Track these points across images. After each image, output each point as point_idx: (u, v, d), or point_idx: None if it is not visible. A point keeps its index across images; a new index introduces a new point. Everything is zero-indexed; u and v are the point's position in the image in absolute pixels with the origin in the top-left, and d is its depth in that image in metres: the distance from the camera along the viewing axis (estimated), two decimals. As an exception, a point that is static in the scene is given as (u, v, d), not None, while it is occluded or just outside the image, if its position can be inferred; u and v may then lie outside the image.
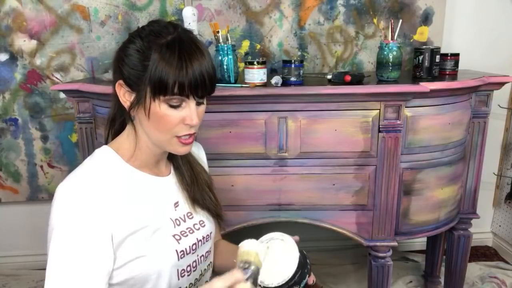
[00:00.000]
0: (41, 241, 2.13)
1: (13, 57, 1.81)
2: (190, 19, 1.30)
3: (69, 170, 1.96)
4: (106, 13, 1.77)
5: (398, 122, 1.29)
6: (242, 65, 1.52)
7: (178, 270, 0.83)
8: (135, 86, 0.77)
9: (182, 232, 0.85)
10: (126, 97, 0.80)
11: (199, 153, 1.02)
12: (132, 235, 0.77)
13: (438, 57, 1.45)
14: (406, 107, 1.30)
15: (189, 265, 0.86)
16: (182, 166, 0.92)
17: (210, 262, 0.96)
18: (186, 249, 0.84)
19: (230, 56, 1.36)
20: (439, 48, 1.46)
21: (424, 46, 1.48)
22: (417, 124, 1.32)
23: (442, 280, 1.82)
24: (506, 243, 2.11)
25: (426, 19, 1.83)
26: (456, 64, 1.54)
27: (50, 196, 1.95)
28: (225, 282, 0.67)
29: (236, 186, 1.35)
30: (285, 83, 1.33)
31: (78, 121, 1.45)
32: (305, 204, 1.37)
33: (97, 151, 0.83)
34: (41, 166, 1.94)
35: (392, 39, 1.35)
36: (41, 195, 1.96)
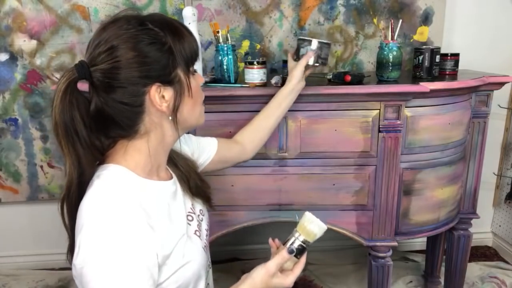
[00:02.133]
0: (41, 241, 2.14)
1: (13, 57, 1.81)
2: (190, 19, 1.30)
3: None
4: (106, 13, 1.77)
5: (398, 122, 1.29)
6: (242, 65, 1.52)
7: (207, 265, 0.87)
8: (169, 77, 0.74)
9: (198, 226, 0.87)
10: (162, 99, 0.74)
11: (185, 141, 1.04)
12: (176, 246, 0.75)
13: (438, 57, 1.45)
14: (406, 107, 1.30)
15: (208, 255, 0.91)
16: (176, 162, 0.91)
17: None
18: (205, 242, 0.88)
19: (230, 56, 1.36)
20: (439, 48, 1.46)
21: (424, 46, 1.48)
22: (417, 124, 1.32)
23: (442, 280, 1.82)
24: (506, 243, 2.11)
25: (426, 19, 1.83)
26: (456, 64, 1.54)
27: (50, 196, 1.95)
28: (277, 265, 0.78)
29: (236, 186, 1.35)
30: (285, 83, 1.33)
31: (78, 121, 1.45)
32: (305, 204, 1.37)
33: (105, 172, 0.74)
34: (41, 166, 1.94)
35: (392, 39, 1.35)
36: (41, 195, 1.96)
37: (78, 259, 0.65)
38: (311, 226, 0.82)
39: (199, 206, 0.93)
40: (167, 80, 0.74)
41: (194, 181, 0.91)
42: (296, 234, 0.83)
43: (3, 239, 2.05)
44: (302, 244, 0.82)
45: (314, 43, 1.17)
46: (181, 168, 0.90)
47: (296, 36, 1.82)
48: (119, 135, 0.77)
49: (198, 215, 0.91)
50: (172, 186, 0.84)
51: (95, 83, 0.73)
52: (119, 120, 0.74)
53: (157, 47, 0.72)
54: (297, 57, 1.21)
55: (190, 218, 0.86)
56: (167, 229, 0.75)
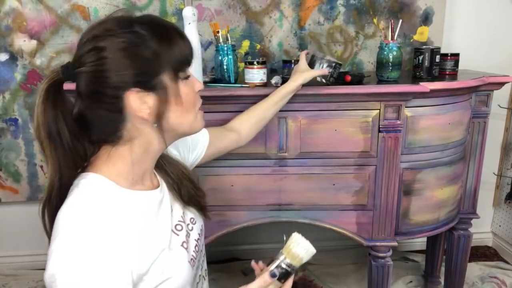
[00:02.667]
0: (41, 241, 2.13)
1: (13, 57, 1.81)
2: (190, 19, 1.30)
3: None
4: (106, 13, 1.77)
5: (398, 122, 1.29)
6: (242, 65, 1.52)
7: (194, 279, 0.82)
8: (151, 83, 0.69)
9: (186, 238, 0.81)
10: (144, 105, 0.70)
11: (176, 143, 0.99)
12: (155, 262, 0.71)
13: (438, 57, 1.45)
14: (406, 107, 1.30)
15: (197, 267, 0.85)
16: (167, 168, 0.86)
17: (203, 253, 0.94)
18: (193, 255, 0.82)
19: (230, 56, 1.36)
20: (439, 48, 1.46)
21: (424, 46, 1.48)
22: (417, 124, 1.32)
23: (442, 280, 1.82)
24: (506, 243, 2.11)
25: (426, 19, 1.83)
26: (456, 64, 1.54)
27: (50, 196, 1.95)
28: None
29: (236, 186, 1.35)
30: (285, 83, 1.33)
31: (78, 121, 1.45)
32: (305, 204, 1.37)
33: (83, 182, 0.70)
34: (41, 166, 1.94)
35: (392, 39, 1.35)
36: (41, 195, 1.96)
37: (48, 272, 0.61)
38: (297, 249, 0.76)
39: (190, 214, 0.87)
40: (148, 85, 0.69)
41: (186, 189, 0.86)
42: (281, 257, 0.77)
43: (3, 239, 2.05)
44: (287, 268, 0.76)
45: (331, 63, 1.25)
46: (172, 174, 0.85)
47: (296, 36, 1.82)
48: (102, 140, 0.73)
49: (188, 224, 0.84)
50: (158, 195, 0.79)
51: (79, 86, 0.70)
52: (101, 125, 0.71)
53: (138, 51, 0.68)
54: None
55: (179, 227, 0.81)
56: (146, 243, 0.70)
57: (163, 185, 0.83)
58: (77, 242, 0.62)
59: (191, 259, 0.80)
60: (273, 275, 0.75)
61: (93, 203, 0.67)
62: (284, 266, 0.76)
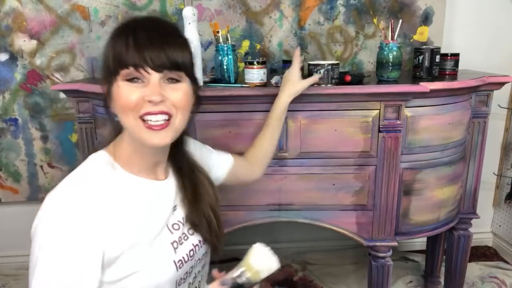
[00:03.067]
0: (41, 241, 2.12)
1: (13, 57, 1.81)
2: (190, 19, 1.30)
3: (69, 170, 1.94)
4: (106, 13, 1.77)
5: (398, 122, 1.29)
6: (242, 65, 1.52)
7: (177, 280, 0.79)
8: (104, 76, 0.76)
9: (179, 238, 0.82)
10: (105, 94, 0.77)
11: (201, 155, 0.98)
12: (130, 250, 0.72)
13: (438, 57, 1.45)
14: (406, 107, 1.30)
15: (186, 272, 0.83)
16: (185, 173, 0.88)
17: (205, 264, 0.92)
18: (183, 257, 0.81)
19: (230, 56, 1.36)
20: (439, 48, 1.46)
21: (424, 46, 1.48)
22: (417, 124, 1.32)
23: (442, 280, 1.82)
24: (506, 243, 2.11)
25: (426, 19, 1.83)
26: (456, 64, 1.54)
27: (50, 196, 1.95)
28: None
29: (236, 186, 1.35)
30: (285, 83, 1.33)
31: (78, 121, 1.45)
32: (305, 204, 1.37)
33: (92, 156, 0.78)
34: (41, 166, 1.94)
35: (392, 39, 1.35)
36: (41, 195, 1.96)
37: (33, 223, 0.69)
38: (257, 262, 0.72)
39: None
40: (104, 77, 0.76)
41: (198, 217, 0.86)
42: (241, 268, 0.73)
43: (3, 239, 2.05)
44: (243, 280, 0.72)
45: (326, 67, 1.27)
46: (187, 187, 0.87)
47: (296, 36, 1.82)
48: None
49: (189, 229, 0.86)
50: (160, 187, 0.82)
51: None
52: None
53: (106, 45, 0.75)
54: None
55: (175, 226, 0.82)
56: (126, 228, 0.72)
57: (172, 183, 0.85)
58: (59, 208, 0.68)
59: (179, 260, 0.80)
60: (223, 283, 0.74)
61: (85, 176, 0.74)
62: (240, 277, 0.72)
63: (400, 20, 1.40)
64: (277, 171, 1.35)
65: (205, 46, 1.79)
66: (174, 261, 0.79)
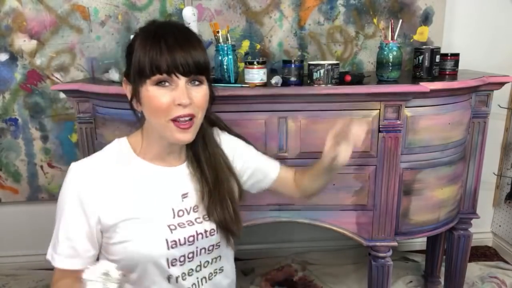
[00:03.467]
0: (41, 241, 2.13)
1: (13, 57, 1.81)
2: (190, 19, 1.30)
3: (69, 170, 1.96)
4: (106, 13, 1.77)
5: (398, 122, 1.29)
6: (242, 65, 1.52)
7: (168, 259, 0.84)
8: (131, 78, 0.82)
9: (180, 224, 0.86)
10: (127, 91, 0.85)
11: (229, 144, 0.99)
12: (124, 222, 0.82)
13: (438, 57, 1.45)
14: (406, 107, 1.30)
15: (184, 256, 0.86)
16: (204, 162, 0.91)
17: (217, 257, 0.93)
18: (179, 239, 0.85)
19: (230, 56, 1.36)
20: (439, 48, 1.46)
21: (424, 46, 1.48)
22: (417, 124, 1.32)
23: (442, 280, 1.82)
24: (506, 243, 2.11)
25: (426, 19, 1.83)
26: (456, 64, 1.54)
27: (50, 196, 1.95)
28: None
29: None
30: (285, 83, 1.33)
31: (78, 121, 1.45)
32: (305, 204, 1.37)
33: (114, 140, 0.90)
34: (41, 166, 1.94)
35: (392, 39, 1.35)
36: (41, 195, 1.96)
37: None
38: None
39: (206, 211, 0.90)
40: (129, 78, 0.83)
41: (215, 203, 0.90)
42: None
43: (3, 239, 2.05)
44: None
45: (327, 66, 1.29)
46: (207, 176, 0.91)
47: (296, 36, 1.82)
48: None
49: (197, 218, 0.88)
50: (172, 173, 0.89)
51: None
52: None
53: (130, 45, 0.82)
54: (311, 80, 1.30)
55: (180, 213, 0.87)
56: (124, 202, 0.83)
57: (186, 170, 0.90)
58: (70, 175, 0.84)
59: (173, 241, 0.84)
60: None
61: (101, 154, 0.88)
62: None
63: (400, 20, 1.40)
64: (277, 171, 1.34)
65: (205, 46, 1.78)
66: (167, 240, 0.83)
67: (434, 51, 1.43)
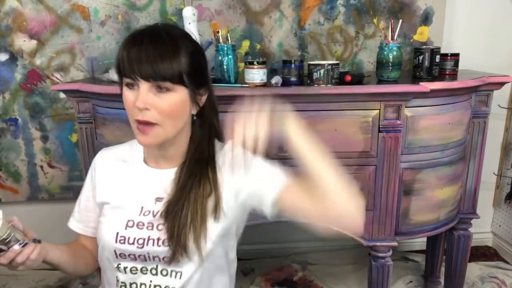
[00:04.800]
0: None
1: (13, 57, 1.81)
2: (190, 19, 1.30)
3: (69, 170, 1.96)
4: (106, 13, 1.77)
5: (398, 122, 1.29)
6: (242, 65, 1.52)
7: (115, 251, 0.86)
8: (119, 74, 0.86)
9: (140, 223, 0.86)
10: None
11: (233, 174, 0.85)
12: (104, 204, 0.91)
13: (438, 57, 1.45)
14: (406, 107, 1.30)
15: (132, 255, 0.84)
16: (188, 174, 0.86)
17: (178, 274, 0.84)
18: (129, 238, 0.84)
19: (230, 56, 1.36)
20: (439, 48, 1.46)
21: (424, 46, 1.48)
22: (417, 124, 1.32)
23: (442, 280, 1.82)
24: (506, 243, 2.11)
25: (426, 19, 1.83)
26: (456, 64, 1.54)
27: (50, 196, 1.95)
28: None
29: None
30: (285, 83, 1.33)
31: (78, 121, 1.45)
32: (305, 204, 1.37)
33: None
34: (41, 166, 1.94)
35: (392, 39, 1.35)
36: (41, 195, 1.96)
37: None
38: None
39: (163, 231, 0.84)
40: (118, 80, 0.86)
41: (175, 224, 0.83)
42: None
43: (3, 239, 2.05)
44: None
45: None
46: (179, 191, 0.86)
47: (296, 36, 1.82)
48: None
49: (159, 225, 0.84)
50: (153, 174, 0.90)
51: None
52: None
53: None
54: (311, 80, 1.30)
55: (146, 213, 0.87)
56: (106, 188, 0.92)
57: (168, 172, 0.89)
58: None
59: (122, 236, 0.85)
60: None
61: (123, 146, 0.98)
62: None
63: (400, 20, 1.40)
64: (277, 171, 1.34)
65: (205, 46, 1.79)
66: (117, 233, 0.86)
67: (434, 51, 1.43)
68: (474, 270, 1.96)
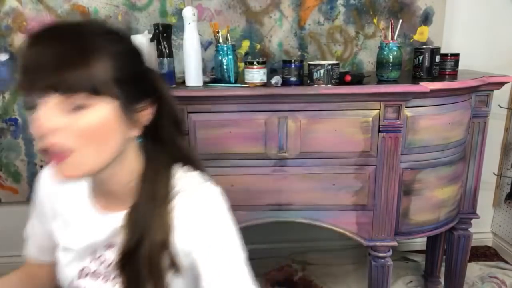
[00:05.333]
0: (41, 241, 2.12)
1: (13, 57, 1.81)
2: (190, 19, 1.30)
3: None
4: (106, 13, 1.77)
5: (398, 122, 1.29)
6: (242, 65, 1.52)
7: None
8: None
9: (96, 272, 0.74)
10: None
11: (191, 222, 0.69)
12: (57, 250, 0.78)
13: (438, 57, 1.45)
14: (406, 107, 1.30)
15: None
16: (134, 220, 0.68)
17: None
18: (78, 273, 0.75)
19: (230, 56, 1.36)
20: (439, 48, 1.46)
21: (424, 46, 1.48)
22: (417, 124, 1.32)
23: (442, 280, 1.82)
24: (506, 243, 2.11)
25: (426, 19, 1.83)
26: (456, 64, 1.54)
27: (50, 196, 1.95)
28: None
29: (236, 186, 1.35)
30: (285, 83, 1.33)
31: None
32: (305, 204, 1.37)
33: None
34: (41, 166, 1.94)
35: (392, 39, 1.35)
36: (41, 195, 1.96)
37: None
38: None
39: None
40: None
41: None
42: None
43: (3, 239, 2.05)
44: None
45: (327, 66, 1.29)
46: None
47: (296, 36, 1.82)
48: None
49: (104, 275, 0.72)
50: (98, 219, 0.73)
51: None
52: None
53: None
54: (311, 80, 1.30)
55: (101, 259, 0.73)
56: (59, 222, 0.78)
57: (116, 216, 0.70)
58: None
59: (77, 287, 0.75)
60: None
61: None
62: None
63: (400, 20, 1.40)
64: (277, 171, 1.35)
65: (205, 46, 1.79)
66: (71, 282, 0.76)
67: (434, 51, 1.43)
68: (474, 270, 1.96)
